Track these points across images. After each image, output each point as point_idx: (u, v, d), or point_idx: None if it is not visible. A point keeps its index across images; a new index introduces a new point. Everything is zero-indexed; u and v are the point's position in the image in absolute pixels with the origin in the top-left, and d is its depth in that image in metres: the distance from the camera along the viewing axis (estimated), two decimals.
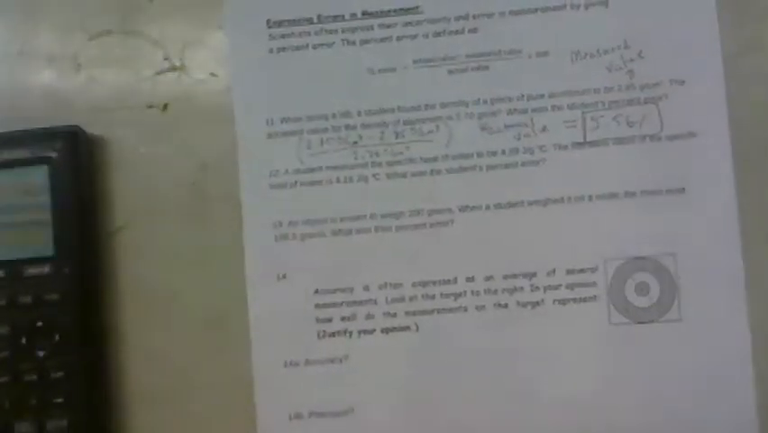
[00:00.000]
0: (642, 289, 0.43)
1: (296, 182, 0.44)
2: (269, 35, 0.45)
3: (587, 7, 0.44)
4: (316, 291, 0.44)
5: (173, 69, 0.46)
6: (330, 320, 0.44)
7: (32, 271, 0.42)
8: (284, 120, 0.45)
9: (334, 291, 0.44)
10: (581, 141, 0.44)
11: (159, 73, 0.45)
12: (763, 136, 0.43)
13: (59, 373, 0.41)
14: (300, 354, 0.44)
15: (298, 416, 0.43)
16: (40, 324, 0.42)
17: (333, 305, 0.44)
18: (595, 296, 0.43)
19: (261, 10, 0.45)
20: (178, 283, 0.44)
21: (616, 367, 0.43)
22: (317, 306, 0.44)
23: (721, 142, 0.43)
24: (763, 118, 0.43)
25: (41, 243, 0.42)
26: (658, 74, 0.44)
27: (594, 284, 0.43)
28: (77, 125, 0.44)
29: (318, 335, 0.44)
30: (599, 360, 0.43)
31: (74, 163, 0.43)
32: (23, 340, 0.42)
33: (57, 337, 0.42)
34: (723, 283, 0.43)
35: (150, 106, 0.45)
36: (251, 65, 0.45)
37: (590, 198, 0.43)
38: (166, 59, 0.46)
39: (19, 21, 0.46)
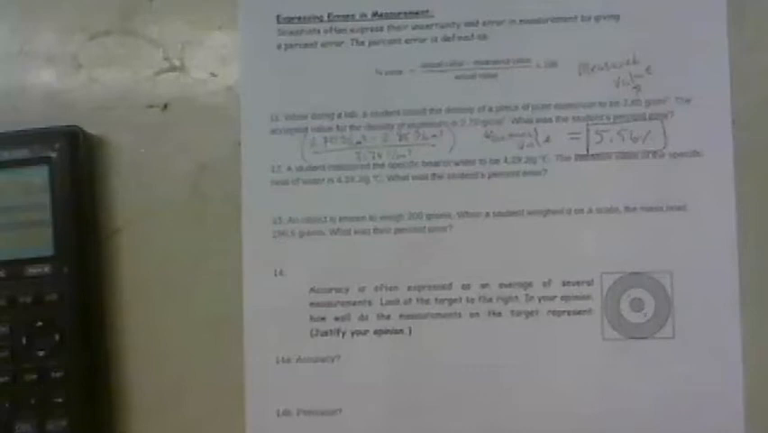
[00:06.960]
0: (636, 304, 0.43)
1: (297, 179, 0.44)
2: (279, 31, 0.45)
3: (598, 20, 0.44)
4: (312, 289, 0.44)
5: (173, 69, 0.45)
6: (324, 319, 0.44)
7: (32, 271, 0.42)
8: (289, 117, 0.44)
9: (330, 291, 0.44)
10: (584, 153, 0.44)
11: (159, 73, 0.45)
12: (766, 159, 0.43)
13: (59, 373, 0.42)
14: (293, 351, 0.44)
15: (287, 413, 0.44)
16: (40, 324, 0.42)
17: (328, 304, 0.44)
18: (589, 309, 0.43)
19: (272, 5, 0.45)
20: (178, 283, 0.44)
21: (606, 381, 0.43)
22: (312, 304, 0.44)
23: (724, 162, 0.43)
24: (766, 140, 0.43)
25: (41, 243, 0.42)
26: (665, 91, 0.43)
27: (589, 297, 0.43)
28: (76, 125, 0.43)
29: (311, 333, 0.44)
30: (591, 373, 0.43)
31: (74, 163, 0.43)
32: (23, 340, 0.42)
33: (57, 337, 0.42)
34: (718, 303, 0.43)
35: (150, 106, 0.45)
36: (259, 60, 0.45)
37: (590, 210, 0.43)
38: (166, 59, 0.45)
39: (19, 21, 0.45)
